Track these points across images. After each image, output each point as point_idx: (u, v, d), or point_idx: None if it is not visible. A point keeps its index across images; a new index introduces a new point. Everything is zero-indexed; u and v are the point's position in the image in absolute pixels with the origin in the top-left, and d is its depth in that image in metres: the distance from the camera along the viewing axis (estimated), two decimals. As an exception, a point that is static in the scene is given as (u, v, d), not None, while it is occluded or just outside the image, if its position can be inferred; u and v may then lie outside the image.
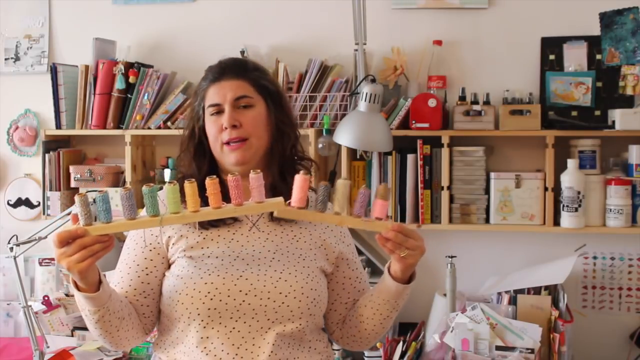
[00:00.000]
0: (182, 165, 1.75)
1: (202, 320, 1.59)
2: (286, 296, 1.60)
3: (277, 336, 1.59)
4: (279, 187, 1.69)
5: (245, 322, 1.59)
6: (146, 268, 1.67)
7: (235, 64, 1.74)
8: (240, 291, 1.59)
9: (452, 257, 2.59)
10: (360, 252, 2.57)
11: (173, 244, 1.67)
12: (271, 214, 1.70)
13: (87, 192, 1.46)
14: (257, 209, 1.51)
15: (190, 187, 1.45)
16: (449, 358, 2.36)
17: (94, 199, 1.46)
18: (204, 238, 1.66)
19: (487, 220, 2.72)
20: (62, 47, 3.14)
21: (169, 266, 1.68)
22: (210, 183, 1.46)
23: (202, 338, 1.59)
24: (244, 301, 1.59)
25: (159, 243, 1.67)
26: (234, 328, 1.58)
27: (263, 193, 1.48)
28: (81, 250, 1.43)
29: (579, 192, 2.60)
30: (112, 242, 1.47)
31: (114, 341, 1.62)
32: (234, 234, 1.67)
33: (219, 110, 1.68)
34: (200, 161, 1.72)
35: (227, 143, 1.67)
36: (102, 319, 1.55)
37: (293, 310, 1.61)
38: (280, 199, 1.50)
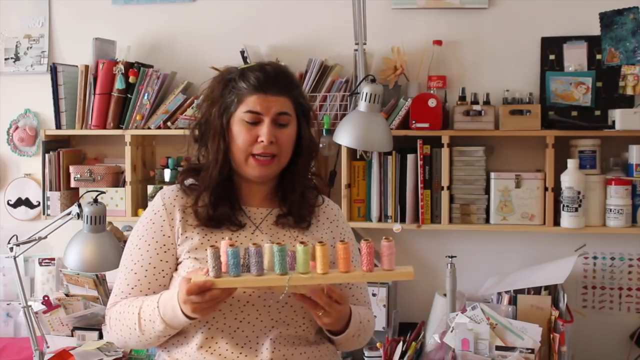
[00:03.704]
0: (201, 156, 1.74)
1: (207, 322, 1.60)
2: (289, 297, 1.61)
3: (280, 335, 1.61)
4: (290, 197, 1.72)
5: (249, 323, 1.61)
6: (162, 270, 1.68)
7: (282, 80, 1.71)
8: (244, 292, 1.60)
9: (452, 257, 2.59)
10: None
11: (179, 244, 1.69)
12: (276, 217, 1.72)
13: (212, 246, 1.54)
14: (386, 277, 1.56)
15: (321, 249, 1.50)
16: (449, 358, 2.36)
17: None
18: (208, 240, 1.67)
19: (487, 220, 2.72)
20: (62, 47, 3.13)
21: (176, 267, 1.69)
22: (342, 247, 1.52)
23: (206, 339, 1.61)
24: (247, 302, 1.60)
25: (172, 244, 1.69)
26: (238, 328, 1.60)
27: (393, 261, 1.53)
28: (209, 301, 1.50)
29: (579, 192, 2.60)
30: (235, 290, 1.54)
31: (141, 346, 1.69)
32: (237, 236, 1.68)
33: (256, 120, 1.67)
34: (224, 160, 1.69)
35: (256, 155, 1.67)
36: (170, 334, 1.63)
37: (296, 310, 1.63)
38: (411, 269, 1.54)
